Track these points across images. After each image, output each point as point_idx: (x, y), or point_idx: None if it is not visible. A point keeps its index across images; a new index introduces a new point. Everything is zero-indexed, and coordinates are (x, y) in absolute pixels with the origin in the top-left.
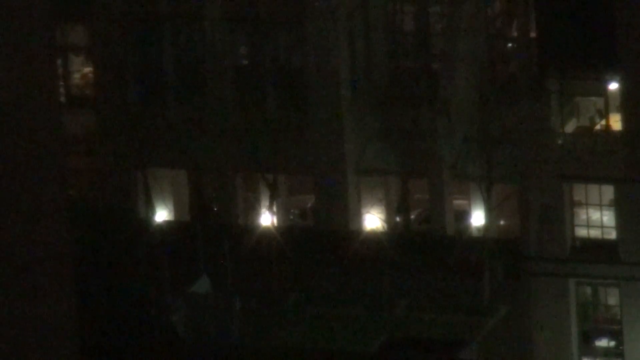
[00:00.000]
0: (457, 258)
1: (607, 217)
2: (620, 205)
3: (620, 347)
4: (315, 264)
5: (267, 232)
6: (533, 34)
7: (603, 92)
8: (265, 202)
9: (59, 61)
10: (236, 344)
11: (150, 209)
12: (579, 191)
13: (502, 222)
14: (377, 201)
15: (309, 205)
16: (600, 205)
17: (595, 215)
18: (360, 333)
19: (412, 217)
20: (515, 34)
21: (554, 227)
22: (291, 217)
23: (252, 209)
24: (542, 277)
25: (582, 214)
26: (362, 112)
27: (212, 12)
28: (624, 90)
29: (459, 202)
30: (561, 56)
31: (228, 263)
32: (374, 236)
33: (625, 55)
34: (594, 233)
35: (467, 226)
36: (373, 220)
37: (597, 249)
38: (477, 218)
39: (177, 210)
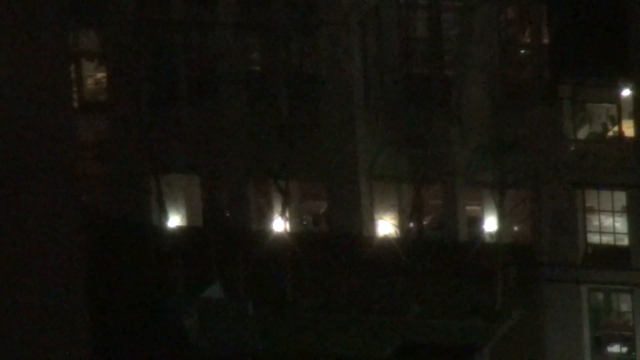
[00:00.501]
0: (470, 264)
1: (620, 224)
2: (632, 212)
3: (633, 353)
4: (328, 269)
5: (279, 238)
6: (546, 41)
7: (616, 99)
8: (277, 207)
9: (72, 67)
10: (249, 350)
11: (163, 215)
12: (591, 197)
13: (514, 228)
14: (390, 207)
15: (322, 211)
16: (612, 212)
17: (607, 221)
18: (374, 338)
19: (425, 223)
20: (528, 40)
21: (566, 233)
22: (304, 222)
23: (265, 215)
24: (555, 283)
25: (594, 220)
26: (375, 118)
27: (225, 18)
28: (637, 97)
29: (471, 208)
30: (574, 62)
31: (241, 269)
32: (387, 242)
33: (638, 62)
34: (607, 239)
35: (480, 232)
36: (386, 226)
37: (609, 255)
38: (490, 224)
39: (189, 215)
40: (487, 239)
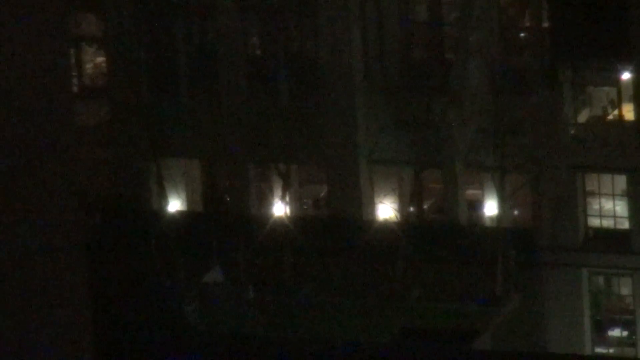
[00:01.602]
0: (470, 248)
1: (620, 207)
2: (633, 195)
3: (633, 337)
4: (328, 253)
5: (279, 222)
6: (546, 24)
7: (616, 82)
8: (278, 192)
9: (72, 51)
10: (249, 334)
11: (163, 199)
12: (591, 181)
13: (515, 212)
14: (390, 191)
15: (322, 194)
16: (613, 195)
17: (608, 205)
18: (373, 323)
19: (426, 207)
20: (527, 23)
21: (566, 217)
22: (304, 206)
23: (265, 199)
24: (555, 267)
25: (594, 204)
26: (375, 102)
27: (225, 2)
28: (637, 80)
29: (472, 192)
30: (574, 46)
31: (241, 253)
32: (387, 226)
33: (638, 45)
34: (607, 223)
35: (481, 216)
36: (386, 210)
37: (610, 238)
38: (490, 208)
39: (189, 200)
40: (488, 222)
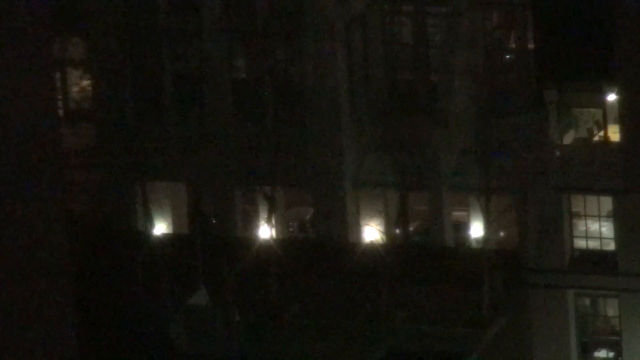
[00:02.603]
0: (456, 270)
1: (606, 228)
2: (618, 217)
3: (620, 358)
4: (315, 276)
5: (266, 245)
6: (531, 46)
7: (601, 104)
8: (263, 214)
9: (57, 74)
10: (235, 356)
11: (149, 222)
12: (577, 202)
13: (501, 234)
14: (376, 213)
15: (308, 217)
16: (599, 217)
17: (593, 226)
18: (360, 345)
19: (411, 229)
20: (513, 45)
21: (552, 239)
22: (290, 229)
23: (251, 222)
24: (542, 288)
25: (580, 225)
26: (360, 124)
27: (210, 26)
28: (622, 102)
29: (457, 214)
30: (559, 67)
31: (227, 275)
32: (373, 248)
33: (624, 67)
34: (593, 244)
35: (466, 238)
36: (372, 232)
37: (596, 260)
38: (476, 229)
39: (175, 223)
40: (474, 244)
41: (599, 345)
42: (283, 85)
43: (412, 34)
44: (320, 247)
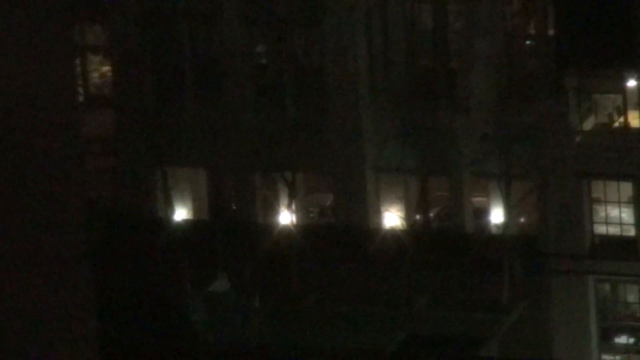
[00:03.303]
0: (476, 255)
1: (626, 214)
2: (638, 202)
3: None
4: (335, 262)
5: (286, 231)
6: (551, 32)
7: (621, 89)
8: (284, 200)
9: (77, 61)
10: (255, 343)
11: (169, 208)
12: (597, 188)
13: (521, 220)
14: (396, 199)
15: (328, 203)
16: (619, 202)
17: (613, 212)
18: (380, 331)
19: (432, 215)
20: (533, 31)
21: (572, 225)
22: (311, 215)
23: (271, 208)
24: (561, 274)
25: (600, 211)
26: (380, 110)
27: (230, 12)
28: None
29: (478, 200)
30: (579, 53)
31: (247, 262)
32: (393, 234)
33: None
34: (613, 230)
35: (486, 224)
36: (392, 218)
37: (616, 246)
38: (496, 215)
39: (196, 209)
40: (494, 230)
41: (619, 331)
42: (303, 71)
43: (432, 20)
44: (341, 233)
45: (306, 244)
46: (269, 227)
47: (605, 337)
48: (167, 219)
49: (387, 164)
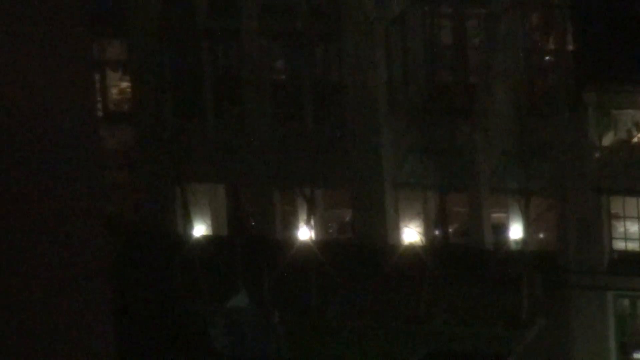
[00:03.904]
0: (495, 271)
1: None
2: None
3: None
4: (354, 277)
5: (305, 246)
6: (570, 47)
7: None
8: (303, 216)
9: (97, 76)
10: (274, 358)
11: (189, 224)
12: (616, 204)
13: (540, 235)
14: (415, 215)
15: (347, 219)
16: (638, 218)
17: (633, 227)
18: (399, 346)
19: (450, 230)
20: (552, 47)
21: (591, 240)
22: (330, 230)
23: (290, 223)
24: (580, 289)
25: (619, 227)
26: (399, 125)
27: (249, 27)
28: None
29: (497, 216)
30: (599, 69)
31: (266, 277)
32: (412, 250)
33: None
34: (632, 245)
35: (506, 239)
36: (411, 233)
37: (635, 261)
38: (515, 231)
39: (215, 224)
40: (513, 246)
41: (638, 347)
42: (322, 86)
43: (451, 35)
44: (360, 249)
45: (325, 260)
46: (288, 242)
47: (624, 353)
48: (186, 234)
49: (406, 179)
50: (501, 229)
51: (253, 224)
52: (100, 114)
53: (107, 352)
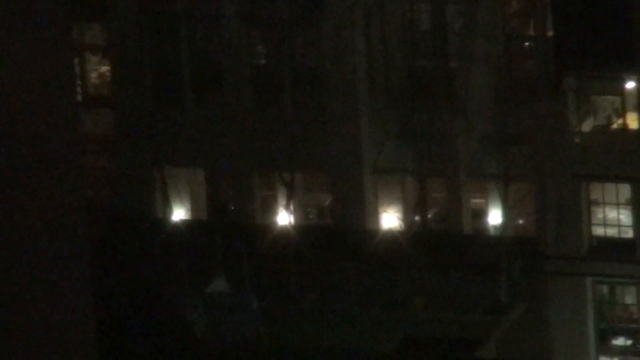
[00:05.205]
0: (474, 257)
1: (624, 216)
2: (637, 204)
3: (638, 346)
4: (333, 262)
5: (284, 231)
6: (550, 33)
7: (620, 91)
8: (282, 200)
9: (76, 60)
10: (253, 342)
11: (167, 208)
12: (595, 190)
13: (519, 221)
14: (394, 200)
15: (326, 203)
16: (617, 204)
17: (612, 214)
18: (377, 332)
19: (430, 216)
20: (532, 32)
21: (570, 226)
22: (309, 215)
23: (269, 208)
24: (559, 275)
25: (599, 213)
26: (379, 111)
27: (229, 11)
28: None
29: (476, 201)
30: (578, 55)
31: (245, 262)
32: (391, 235)
33: None
34: (611, 232)
35: (484, 225)
36: (390, 219)
37: (614, 247)
38: (494, 217)
39: (194, 209)
40: (492, 231)
41: (617, 333)
42: (302, 71)
43: (431, 20)
44: (339, 234)
45: (304, 245)
46: (267, 227)
47: (603, 339)
48: (165, 219)
49: (386, 164)
50: (480, 214)
51: (232, 208)
52: (79, 98)
53: (86, 334)
